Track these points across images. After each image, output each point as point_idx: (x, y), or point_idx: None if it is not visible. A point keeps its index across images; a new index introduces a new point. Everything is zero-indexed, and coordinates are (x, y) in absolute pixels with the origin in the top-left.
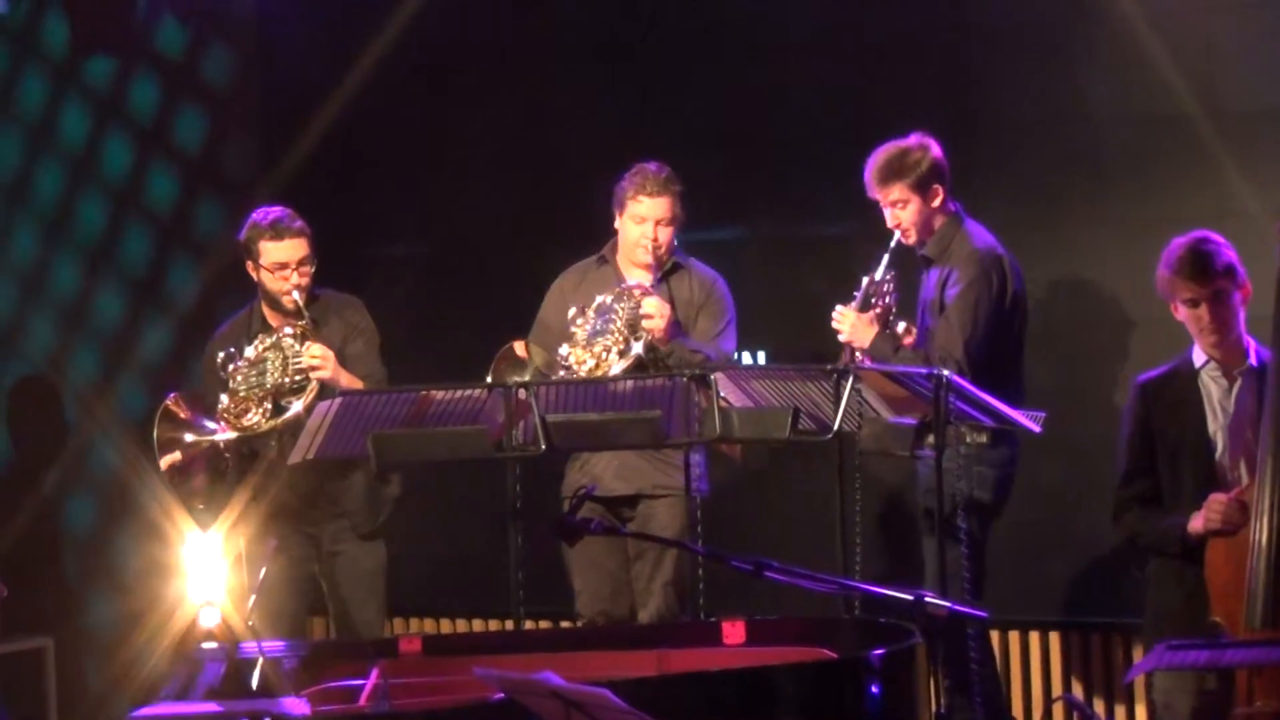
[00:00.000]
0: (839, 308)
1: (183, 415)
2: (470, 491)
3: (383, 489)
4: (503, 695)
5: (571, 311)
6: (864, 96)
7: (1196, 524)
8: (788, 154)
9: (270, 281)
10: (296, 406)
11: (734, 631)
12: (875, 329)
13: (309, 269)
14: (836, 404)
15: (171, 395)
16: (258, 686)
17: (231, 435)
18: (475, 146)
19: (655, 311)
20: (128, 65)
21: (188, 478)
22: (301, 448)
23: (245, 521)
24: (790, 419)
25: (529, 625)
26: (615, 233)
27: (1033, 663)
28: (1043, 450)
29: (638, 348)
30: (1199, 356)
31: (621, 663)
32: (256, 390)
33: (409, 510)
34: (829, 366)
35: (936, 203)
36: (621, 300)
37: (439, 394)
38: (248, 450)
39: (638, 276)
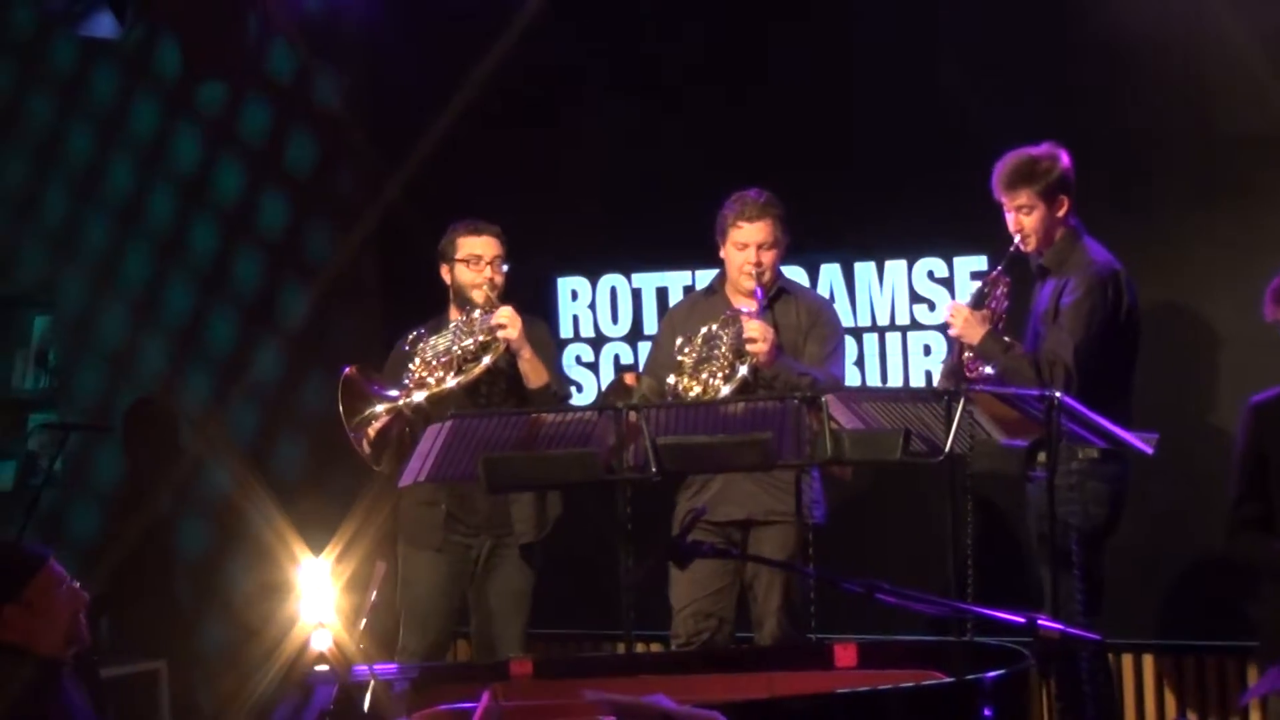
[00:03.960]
0: (952, 302)
1: (363, 385)
2: (582, 514)
3: (547, 507)
4: (613, 718)
5: (679, 341)
6: (975, 117)
7: None
8: (902, 176)
9: (463, 274)
10: (485, 360)
11: (845, 654)
12: (986, 327)
13: (502, 270)
14: (948, 426)
15: (349, 367)
16: (369, 710)
17: (419, 397)
18: (584, 167)
19: (758, 335)
20: (239, 89)
21: (381, 444)
22: (413, 470)
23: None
24: (901, 441)
25: (640, 648)
26: (722, 262)
27: (1146, 686)
28: (1155, 472)
29: (743, 371)
30: None
31: (733, 685)
32: (444, 355)
33: None
34: (940, 389)
35: (1061, 213)
36: (726, 326)
37: (550, 417)
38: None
39: (744, 304)
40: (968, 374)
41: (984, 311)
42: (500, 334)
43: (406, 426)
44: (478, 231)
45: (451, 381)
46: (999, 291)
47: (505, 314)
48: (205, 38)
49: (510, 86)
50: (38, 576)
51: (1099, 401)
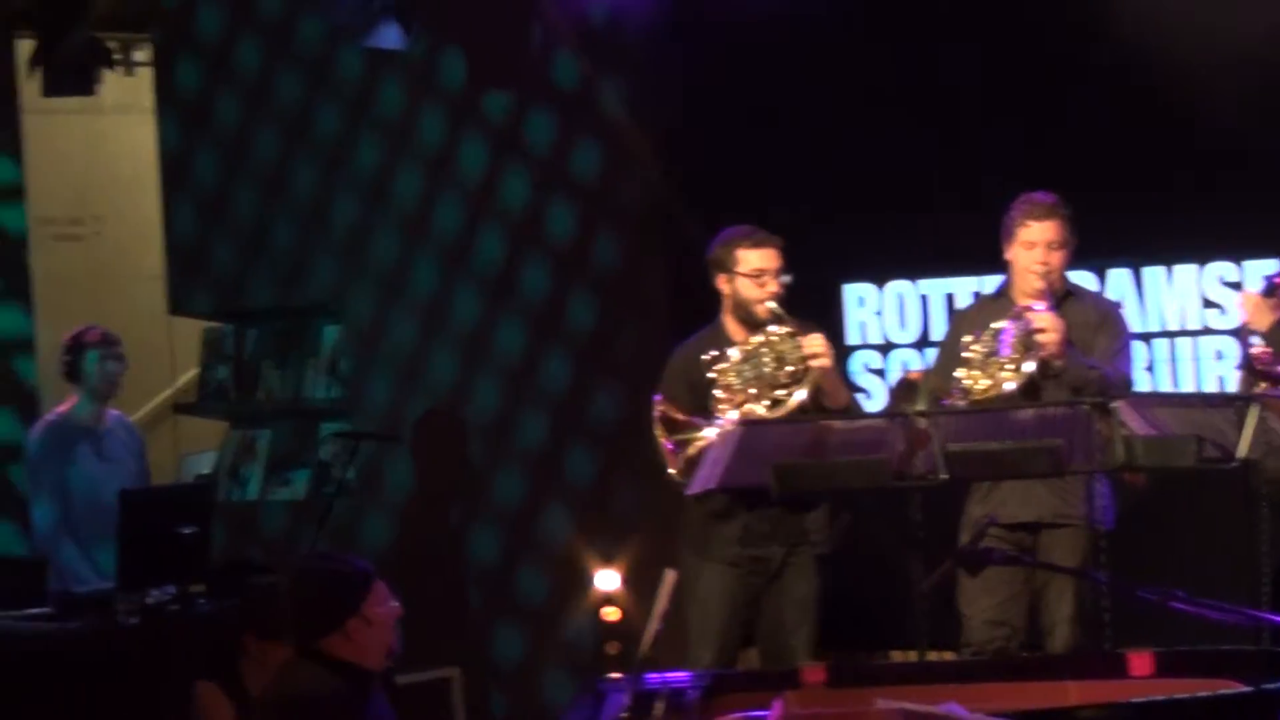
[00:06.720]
0: (1244, 290)
1: (677, 417)
2: (870, 520)
3: (839, 513)
4: None
5: (968, 338)
6: (1267, 117)
7: None
8: (1190, 178)
9: (747, 289)
10: (799, 395)
11: (1141, 663)
12: (1276, 314)
13: (782, 281)
14: (1241, 431)
15: (658, 397)
16: (661, 718)
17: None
18: (866, 173)
19: (1048, 325)
20: (524, 98)
21: (686, 471)
22: (703, 478)
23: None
24: (1194, 447)
25: (933, 656)
26: (1008, 265)
27: None
28: None
29: (1030, 366)
30: None
31: (1026, 694)
32: (754, 381)
33: None
34: (1233, 394)
35: None
36: (1015, 321)
37: (839, 424)
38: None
39: (1032, 304)
40: (1258, 366)
41: (1274, 300)
42: (814, 364)
43: None
44: (759, 244)
45: (763, 412)
46: None
47: (819, 343)
48: (489, 48)
49: (793, 92)
50: (373, 591)
51: None
